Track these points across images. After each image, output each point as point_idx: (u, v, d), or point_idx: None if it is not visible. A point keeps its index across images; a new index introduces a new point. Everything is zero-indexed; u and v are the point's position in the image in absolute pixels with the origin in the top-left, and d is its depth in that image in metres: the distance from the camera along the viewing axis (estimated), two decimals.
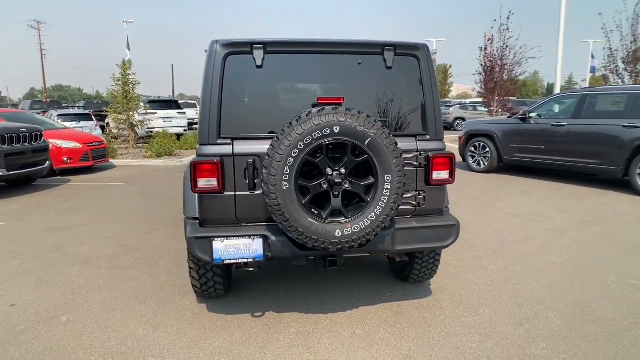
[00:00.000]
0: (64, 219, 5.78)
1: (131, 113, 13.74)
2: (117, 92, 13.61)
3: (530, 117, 8.38)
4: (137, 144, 14.12)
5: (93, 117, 15.14)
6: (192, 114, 23.41)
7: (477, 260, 4.13)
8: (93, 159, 9.56)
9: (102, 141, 10.33)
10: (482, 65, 15.41)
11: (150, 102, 15.75)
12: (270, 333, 2.89)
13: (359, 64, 2.82)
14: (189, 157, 11.84)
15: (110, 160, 10.84)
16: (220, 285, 3.18)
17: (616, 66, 12.65)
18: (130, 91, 13.68)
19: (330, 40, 2.78)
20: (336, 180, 2.48)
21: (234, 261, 2.68)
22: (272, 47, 2.70)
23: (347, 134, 2.42)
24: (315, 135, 2.40)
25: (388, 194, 2.53)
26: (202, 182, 2.66)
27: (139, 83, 13.98)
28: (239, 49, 2.69)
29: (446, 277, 3.73)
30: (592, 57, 29.46)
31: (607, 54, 12.88)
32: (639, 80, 12.06)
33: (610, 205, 6.24)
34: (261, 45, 2.69)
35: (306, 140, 2.39)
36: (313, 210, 2.53)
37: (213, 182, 2.67)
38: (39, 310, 3.22)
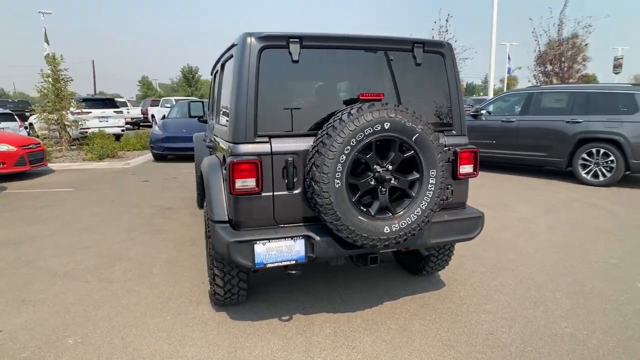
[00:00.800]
0: (18, 231, 5.14)
1: (64, 112, 12.56)
2: (46, 89, 12.35)
3: (482, 114, 8.95)
4: (72, 145, 12.95)
5: (15, 117, 13.62)
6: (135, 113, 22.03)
7: (470, 250, 4.32)
8: (30, 164, 8.60)
9: (39, 143, 9.33)
10: None
11: (85, 100, 14.49)
12: (307, 336, 2.81)
13: (391, 60, 2.83)
14: (137, 159, 11.13)
15: (48, 165, 9.84)
16: (244, 291, 3.03)
17: (545, 67, 13.94)
18: (62, 89, 12.49)
19: (364, 36, 2.76)
20: (385, 177, 2.47)
21: (276, 264, 2.57)
22: (308, 42, 2.62)
23: (396, 129, 2.43)
24: (366, 131, 2.37)
25: (433, 188, 2.57)
26: (240, 183, 2.52)
27: (72, 80, 12.82)
28: (275, 42, 2.57)
29: (450, 268, 3.86)
30: (509, 58, 31.99)
31: (536, 55, 14.14)
32: (548, 81, 13.36)
33: (564, 194, 6.86)
34: (297, 39, 2.59)
35: (358, 137, 2.36)
36: (362, 207, 2.51)
37: (252, 183, 2.54)
38: (34, 335, 2.85)
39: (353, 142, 2.36)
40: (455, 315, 3.05)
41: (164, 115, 14.11)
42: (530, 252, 4.28)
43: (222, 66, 3.49)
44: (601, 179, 7.30)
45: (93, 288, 3.55)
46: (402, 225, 2.55)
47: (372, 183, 2.50)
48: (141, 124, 24.74)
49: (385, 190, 2.53)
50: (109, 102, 15.90)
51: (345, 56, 2.75)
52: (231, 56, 3.04)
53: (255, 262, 2.52)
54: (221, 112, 3.39)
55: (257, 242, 2.52)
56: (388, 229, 2.53)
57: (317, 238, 2.58)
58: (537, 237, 4.74)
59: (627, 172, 7.19)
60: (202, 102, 5.07)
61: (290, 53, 2.59)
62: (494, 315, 3.05)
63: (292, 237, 2.57)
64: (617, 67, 26.46)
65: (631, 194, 6.83)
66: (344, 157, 2.37)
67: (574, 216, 5.57)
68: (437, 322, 2.96)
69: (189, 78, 57.18)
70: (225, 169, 2.70)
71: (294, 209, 2.67)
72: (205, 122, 5.07)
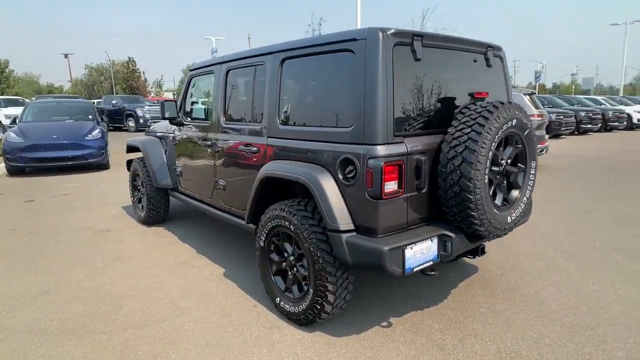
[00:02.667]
0: None
1: None
2: None
3: None
4: None
5: None
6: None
7: None
8: None
9: None
10: None
11: None
12: (431, 339, 2.75)
13: (475, 61, 3.00)
14: None
15: None
16: (348, 302, 2.82)
17: None
18: None
19: (463, 38, 2.86)
20: (512, 170, 2.65)
21: (419, 268, 2.50)
22: (427, 40, 2.59)
23: (518, 126, 2.63)
24: (504, 127, 2.51)
25: (533, 178, 2.86)
26: (388, 186, 2.37)
27: None
28: (404, 39, 2.47)
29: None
30: None
31: None
32: None
33: None
34: (420, 37, 2.54)
35: (499, 133, 2.48)
36: (495, 200, 2.63)
37: (396, 185, 2.41)
38: None
39: (497, 138, 2.47)
40: (540, 308, 3.41)
41: (15, 119, 11.30)
42: (537, 238, 4.95)
43: (255, 66, 3.30)
44: None
45: (160, 338, 2.79)
46: (517, 213, 2.77)
47: (498, 177, 2.65)
48: None
49: (506, 183, 2.70)
50: None
51: (449, 55, 2.81)
52: (305, 54, 2.81)
53: (405, 268, 2.41)
54: (268, 112, 3.08)
55: (407, 246, 2.40)
56: (510, 218, 2.72)
57: (453, 235, 2.60)
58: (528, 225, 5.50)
59: None
60: (175, 101, 4.34)
61: (414, 51, 2.53)
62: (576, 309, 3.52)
63: (429, 238, 2.53)
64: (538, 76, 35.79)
65: None
66: (490, 152, 2.46)
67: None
68: (509, 297, 3.27)
69: None
70: (352, 172, 2.48)
71: (421, 209, 2.62)
72: (180, 124, 4.38)
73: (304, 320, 2.83)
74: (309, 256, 2.68)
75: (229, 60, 3.63)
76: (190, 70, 4.28)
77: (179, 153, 4.50)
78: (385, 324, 2.95)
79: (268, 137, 3.12)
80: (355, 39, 2.47)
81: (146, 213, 5.16)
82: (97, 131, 9.54)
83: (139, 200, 5.46)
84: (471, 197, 2.42)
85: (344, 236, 2.48)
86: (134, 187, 5.51)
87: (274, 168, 2.95)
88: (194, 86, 4.30)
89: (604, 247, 4.33)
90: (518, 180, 2.81)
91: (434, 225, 2.67)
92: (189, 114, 4.35)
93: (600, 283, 3.52)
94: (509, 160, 2.70)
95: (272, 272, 3.10)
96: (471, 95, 2.77)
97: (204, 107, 4.09)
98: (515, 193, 2.80)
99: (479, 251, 2.93)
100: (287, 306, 2.93)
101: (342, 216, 2.51)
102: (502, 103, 2.54)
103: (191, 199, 4.43)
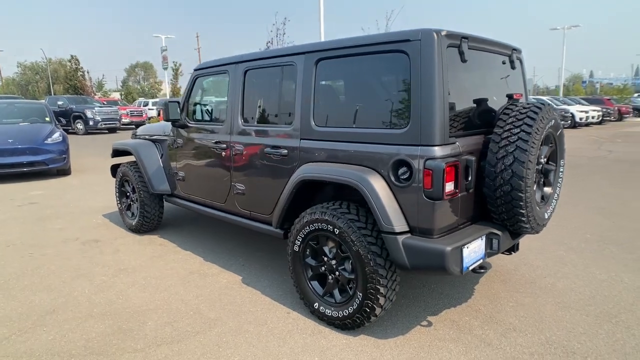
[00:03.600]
0: None
1: None
2: None
3: None
4: None
5: None
6: None
7: None
8: None
9: None
10: None
11: None
12: (475, 335, 2.81)
13: (503, 63, 3.10)
14: None
15: None
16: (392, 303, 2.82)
17: None
18: None
19: (497, 41, 2.94)
20: (550, 168, 2.76)
21: (472, 266, 2.54)
22: (471, 42, 2.64)
23: (554, 126, 2.75)
24: (546, 127, 2.62)
25: (562, 176, 3.00)
26: (449, 187, 2.39)
27: None
28: (454, 40, 2.51)
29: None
30: None
31: None
32: None
33: None
34: (467, 39, 2.59)
35: (544, 133, 2.58)
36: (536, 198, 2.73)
37: (452, 186, 2.45)
38: None
39: (541, 138, 2.57)
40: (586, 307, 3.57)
41: None
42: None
43: (282, 66, 3.24)
44: None
45: (202, 353, 2.62)
46: (551, 210, 2.90)
47: (537, 175, 2.75)
48: None
49: (543, 180, 2.82)
50: None
51: (485, 57, 2.88)
52: (344, 55, 2.78)
53: (463, 267, 2.45)
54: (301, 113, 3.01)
55: (464, 246, 2.44)
56: (546, 214, 2.84)
57: (500, 233, 2.67)
58: None
59: None
60: (177, 102, 4.11)
61: (461, 52, 2.57)
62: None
63: (480, 237, 2.59)
64: None
65: None
66: (537, 151, 2.55)
67: None
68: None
69: None
70: (406, 173, 2.47)
71: (468, 209, 2.68)
72: (183, 126, 4.17)
73: (350, 325, 2.79)
74: (357, 259, 2.65)
75: (247, 60, 3.50)
76: (195, 70, 4.09)
77: (181, 156, 4.29)
78: (425, 323, 2.98)
79: (301, 139, 3.05)
80: (408, 40, 2.46)
81: (139, 221, 4.87)
82: (57, 134, 8.89)
83: (128, 208, 5.15)
84: (522, 195, 2.50)
85: (400, 238, 2.48)
86: (122, 194, 5.19)
87: (315, 171, 2.88)
88: (199, 87, 4.12)
89: (595, 239, 4.64)
90: (551, 178, 2.94)
91: (479, 224, 2.73)
92: (193, 115, 4.16)
93: (605, 273, 3.76)
94: (545, 159, 2.82)
95: (307, 277, 3.04)
96: (509, 96, 2.86)
97: (214, 108, 3.92)
98: (548, 190, 2.93)
99: (514, 248, 3.03)
100: (329, 311, 2.88)
101: (396, 218, 2.50)
102: (543, 104, 2.65)
103: (196, 205, 4.24)
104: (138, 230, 4.95)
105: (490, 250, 2.67)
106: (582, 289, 3.45)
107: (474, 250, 2.53)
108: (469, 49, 2.64)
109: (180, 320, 3.05)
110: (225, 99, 3.71)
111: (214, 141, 3.79)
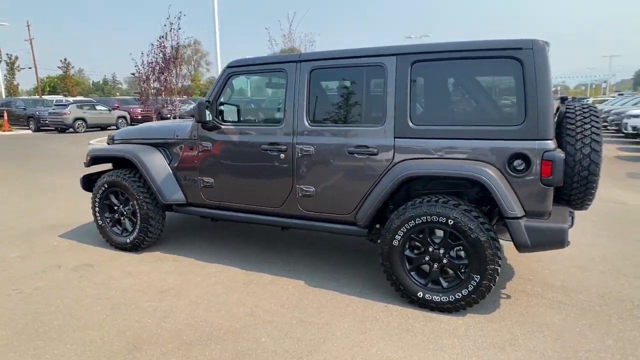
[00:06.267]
0: None
1: None
2: None
3: None
4: None
5: None
6: None
7: None
8: None
9: None
10: (151, 64, 15.00)
11: None
12: (549, 298, 3.34)
13: None
14: None
15: None
16: None
17: None
18: None
19: None
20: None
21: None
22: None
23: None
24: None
25: None
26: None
27: None
28: (548, 47, 2.93)
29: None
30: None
31: None
32: None
33: None
34: (549, 45, 3.04)
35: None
36: None
37: (563, 174, 2.88)
38: None
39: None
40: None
41: None
42: None
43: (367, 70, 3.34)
44: None
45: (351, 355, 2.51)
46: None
47: None
48: None
49: None
50: None
51: None
52: (445, 58, 3.02)
53: (567, 240, 2.90)
54: (393, 114, 3.15)
55: (568, 225, 2.91)
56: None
57: (572, 210, 3.21)
58: None
59: None
60: (209, 102, 3.72)
61: (549, 57, 3.02)
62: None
63: (569, 215, 3.09)
64: None
65: None
66: None
67: None
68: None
69: None
70: (522, 164, 2.83)
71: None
72: (214, 128, 3.83)
73: (463, 306, 3.04)
74: (473, 245, 2.91)
75: (312, 60, 3.43)
76: (229, 67, 3.78)
77: (210, 161, 3.93)
78: (504, 295, 3.39)
79: (396, 137, 3.16)
80: (520, 48, 2.82)
81: (138, 237, 4.26)
82: None
83: (117, 223, 4.46)
84: (597, 178, 3.08)
85: (522, 222, 2.83)
86: (105, 208, 4.46)
87: (426, 167, 3.03)
88: (234, 85, 3.83)
89: None
90: None
91: (556, 205, 3.23)
92: (224, 115, 3.86)
93: (605, 268, 4.34)
94: None
95: (406, 269, 3.18)
96: (563, 99, 3.44)
97: (263, 108, 3.71)
98: None
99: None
100: (437, 297, 3.08)
101: (516, 204, 2.84)
102: (595, 104, 3.28)
103: (228, 212, 3.95)
104: (135, 247, 4.33)
105: (570, 225, 3.20)
106: (593, 282, 4.29)
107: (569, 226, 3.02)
108: None
109: (292, 330, 2.90)
110: (278, 98, 3.57)
111: (267, 143, 3.60)
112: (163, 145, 4.23)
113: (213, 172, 3.93)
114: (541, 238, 2.85)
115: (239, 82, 3.84)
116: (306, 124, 3.47)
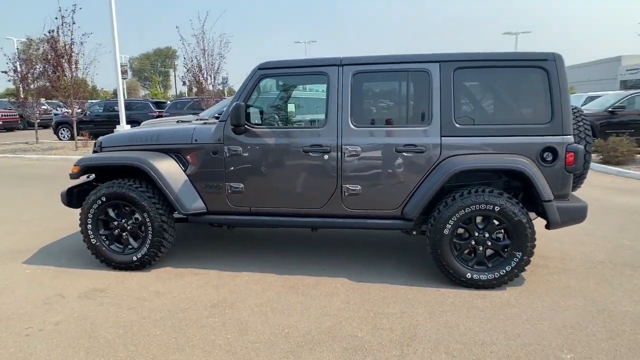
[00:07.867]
0: None
1: None
2: None
3: None
4: None
5: None
6: None
7: None
8: None
9: None
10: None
11: None
12: (563, 269, 3.99)
13: None
14: None
15: None
16: None
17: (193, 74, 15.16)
18: None
19: None
20: None
21: None
22: None
23: None
24: None
25: None
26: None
27: None
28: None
29: None
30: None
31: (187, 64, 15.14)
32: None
33: None
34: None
35: None
36: None
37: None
38: None
39: None
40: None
41: None
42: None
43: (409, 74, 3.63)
44: None
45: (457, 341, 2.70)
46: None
47: None
48: None
49: None
50: None
51: None
52: (484, 66, 3.48)
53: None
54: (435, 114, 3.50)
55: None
56: None
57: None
58: None
59: None
60: (243, 104, 3.53)
61: None
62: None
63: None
64: None
65: None
66: None
67: None
68: None
69: None
70: (550, 156, 3.39)
71: None
72: (245, 131, 3.70)
73: (506, 281, 3.49)
74: (516, 227, 3.38)
75: (355, 64, 3.57)
76: (261, 69, 3.68)
77: (241, 166, 3.77)
78: (528, 271, 3.95)
79: (442, 136, 3.49)
80: (546, 60, 3.38)
81: (150, 252, 3.87)
82: None
83: (116, 241, 3.97)
84: (589, 165, 3.81)
85: (554, 204, 3.40)
86: (101, 224, 3.94)
87: (474, 161, 3.39)
88: (267, 88, 3.75)
89: None
90: None
91: None
92: (253, 118, 3.75)
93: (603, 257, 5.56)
94: None
95: (455, 255, 3.53)
96: None
97: (301, 110, 3.69)
98: None
99: None
100: (483, 276, 3.49)
101: (549, 190, 3.40)
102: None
103: (259, 217, 3.85)
104: (143, 265, 3.92)
105: None
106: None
107: None
108: None
109: (377, 323, 3.02)
110: (318, 99, 3.63)
111: (309, 145, 3.62)
112: (176, 151, 3.91)
113: (243, 177, 3.79)
114: (569, 216, 3.45)
115: (277, 84, 3.77)
116: (351, 125, 3.59)
